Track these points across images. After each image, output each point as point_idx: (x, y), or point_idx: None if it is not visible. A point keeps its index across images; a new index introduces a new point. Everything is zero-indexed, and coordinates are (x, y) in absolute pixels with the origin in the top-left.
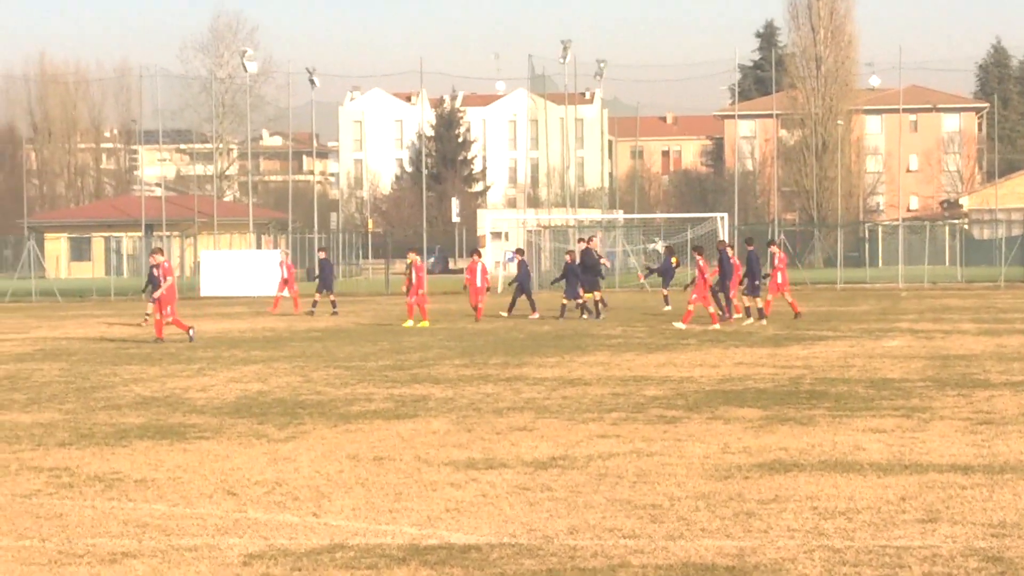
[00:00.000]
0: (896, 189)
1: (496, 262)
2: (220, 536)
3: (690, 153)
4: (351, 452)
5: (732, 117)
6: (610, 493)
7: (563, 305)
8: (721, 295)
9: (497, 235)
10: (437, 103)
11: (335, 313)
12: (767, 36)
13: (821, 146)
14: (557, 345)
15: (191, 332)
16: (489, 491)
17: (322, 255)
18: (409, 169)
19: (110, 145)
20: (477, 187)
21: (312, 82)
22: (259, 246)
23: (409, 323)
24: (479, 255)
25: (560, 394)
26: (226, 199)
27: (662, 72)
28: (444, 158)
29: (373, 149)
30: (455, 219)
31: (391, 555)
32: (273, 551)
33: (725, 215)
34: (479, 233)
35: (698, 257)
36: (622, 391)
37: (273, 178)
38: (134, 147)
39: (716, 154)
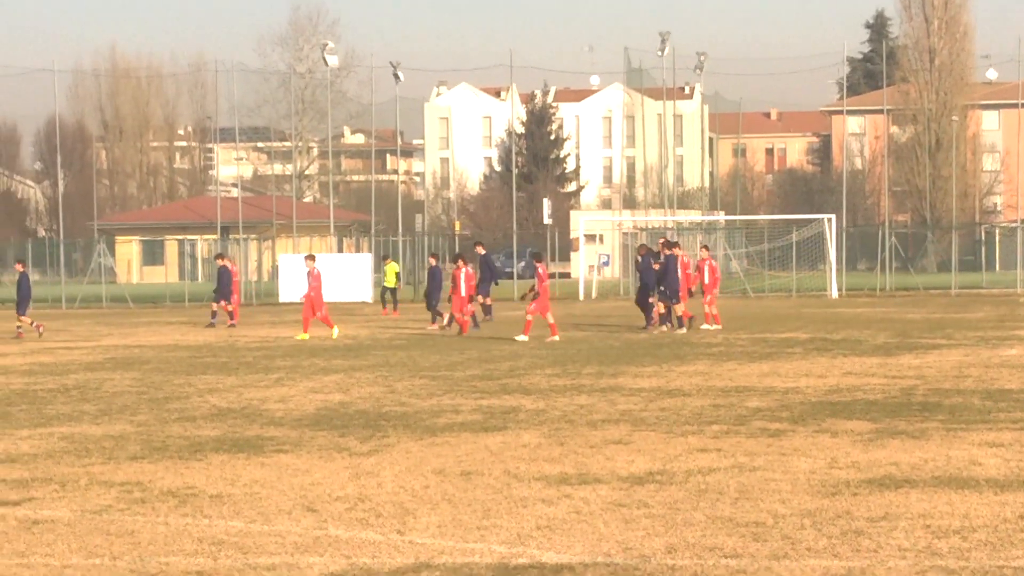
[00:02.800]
0: (1015, 189)
1: (590, 266)
2: (299, 554)
3: (795, 151)
4: (437, 466)
5: (840, 113)
6: (710, 510)
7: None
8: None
9: (591, 238)
10: (528, 98)
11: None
12: (877, 27)
13: (935, 143)
14: (654, 354)
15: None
16: (583, 507)
17: (432, 261)
18: (498, 168)
19: (184, 143)
20: (570, 187)
21: (396, 77)
22: (340, 249)
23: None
24: (464, 261)
25: (657, 405)
26: (306, 200)
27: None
28: (535, 156)
29: (460, 147)
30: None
31: (479, 575)
32: (355, 570)
33: (832, 216)
34: (572, 236)
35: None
36: (723, 402)
37: (355, 178)
38: (209, 145)
39: (823, 152)
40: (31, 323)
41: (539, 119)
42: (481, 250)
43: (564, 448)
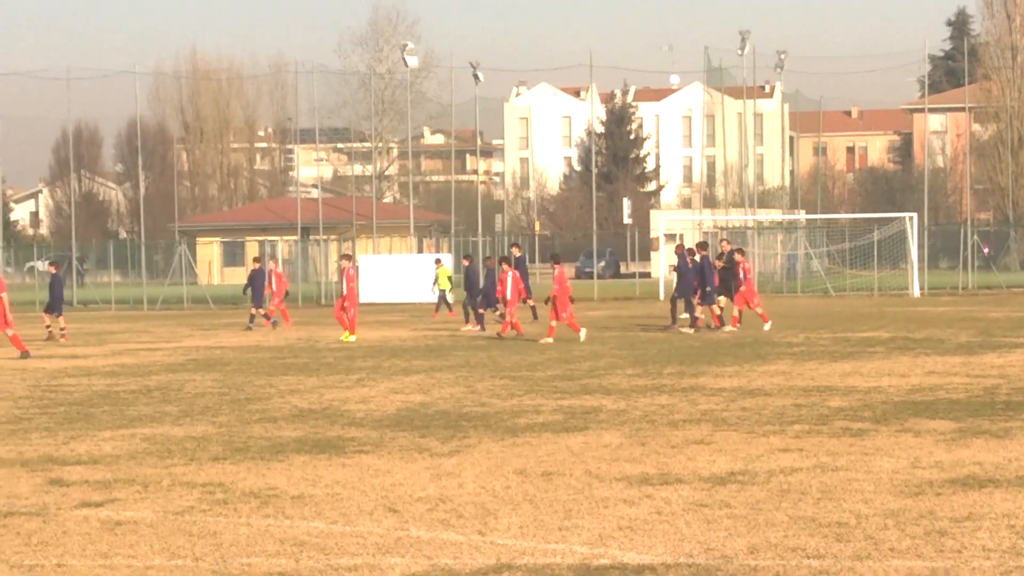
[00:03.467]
0: None
1: (670, 266)
2: (381, 555)
3: (876, 149)
4: (518, 467)
5: (922, 111)
6: (793, 510)
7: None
8: (680, 301)
9: (671, 237)
10: (607, 98)
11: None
12: (959, 24)
13: (1017, 141)
14: (735, 354)
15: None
16: (664, 508)
17: (465, 262)
18: (578, 168)
19: (264, 145)
20: (650, 187)
21: (476, 77)
22: (420, 250)
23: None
24: (508, 264)
25: (739, 405)
26: (385, 200)
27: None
28: (615, 156)
29: (540, 147)
30: (627, 220)
31: (561, 575)
32: (436, 571)
33: (915, 215)
34: (652, 235)
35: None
36: (805, 402)
37: (435, 178)
38: (289, 147)
39: (904, 150)
40: (60, 328)
41: (619, 118)
42: (517, 252)
43: (645, 448)
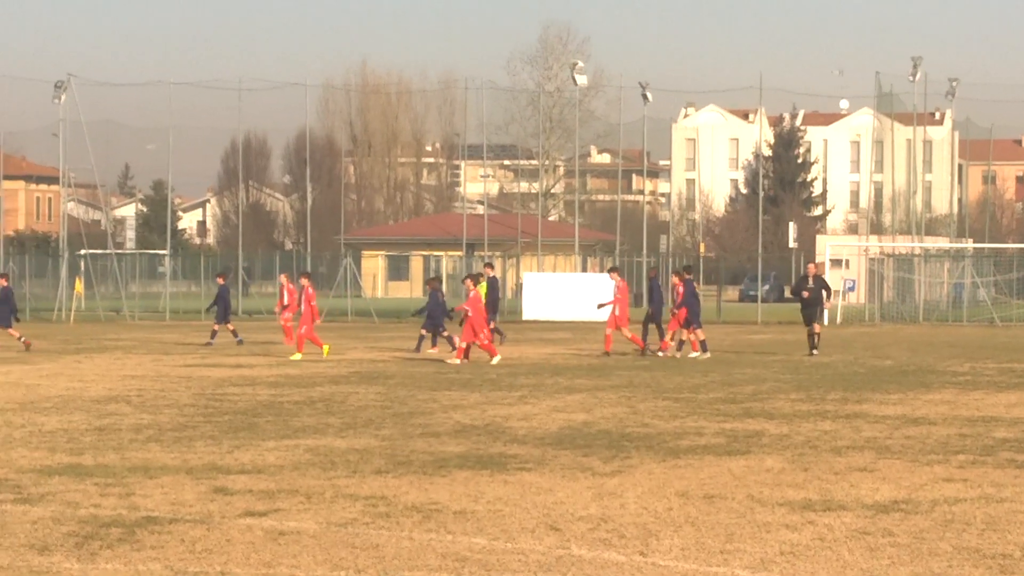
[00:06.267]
0: None
1: (834, 291)
2: (543, 573)
3: None
4: (680, 489)
5: None
6: (956, 541)
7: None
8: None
9: (836, 263)
10: (776, 121)
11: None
12: None
13: None
14: (899, 381)
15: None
16: (827, 534)
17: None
18: (744, 190)
19: (431, 160)
20: (816, 211)
21: (645, 97)
22: (585, 268)
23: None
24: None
25: (903, 433)
26: (550, 218)
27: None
28: (782, 179)
29: (707, 168)
30: (792, 244)
31: None
32: None
33: None
34: (817, 260)
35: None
36: (969, 432)
37: (600, 197)
38: (456, 162)
39: None
40: (18, 336)
41: (787, 142)
42: (490, 272)
43: (808, 474)
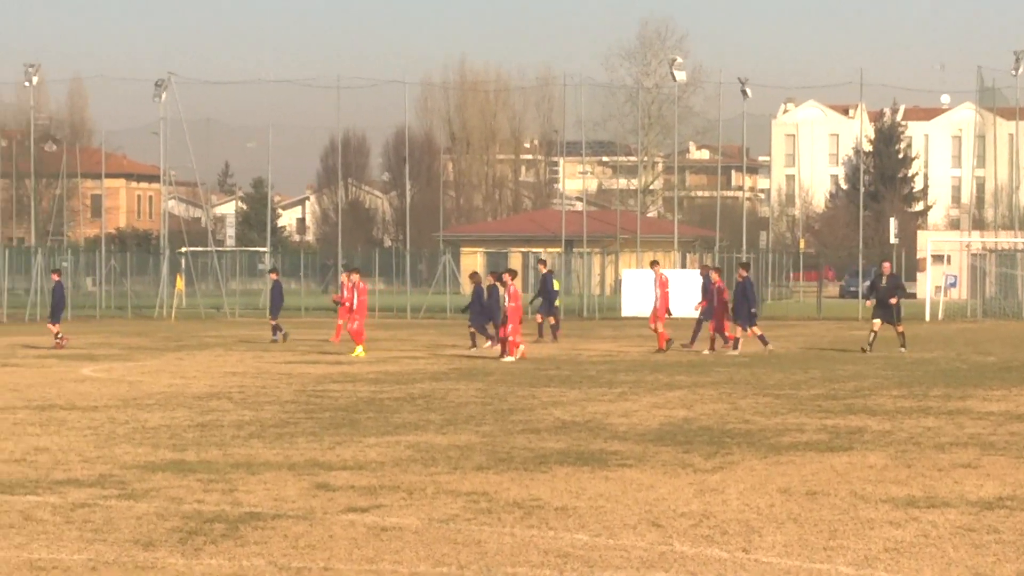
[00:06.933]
0: None
1: (936, 287)
2: (645, 569)
3: None
4: (782, 485)
5: None
6: None
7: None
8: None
9: (938, 258)
10: (876, 116)
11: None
12: None
13: None
14: (1002, 377)
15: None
16: (931, 531)
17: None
18: (844, 186)
19: (529, 157)
20: (917, 206)
21: (744, 93)
22: (684, 265)
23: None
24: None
25: (1007, 430)
26: (649, 215)
27: None
28: (882, 175)
29: (806, 164)
30: (893, 240)
31: None
32: None
33: None
34: (918, 256)
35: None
36: None
37: (699, 193)
38: (554, 159)
39: None
40: (57, 334)
41: (887, 137)
42: (543, 269)
43: (911, 470)
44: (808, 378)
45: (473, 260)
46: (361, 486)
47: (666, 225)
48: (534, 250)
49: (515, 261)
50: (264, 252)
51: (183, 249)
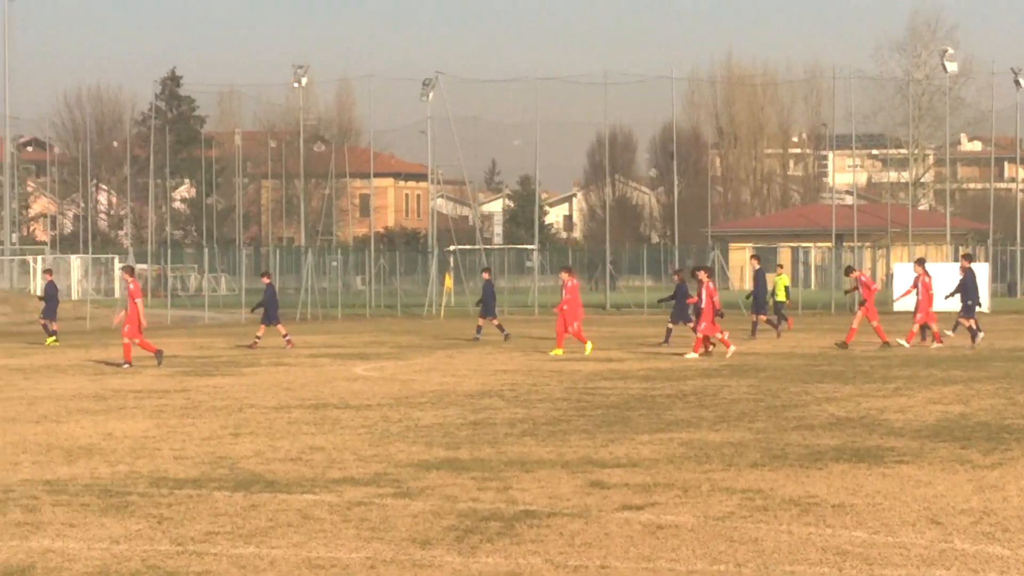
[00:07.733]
0: None
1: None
2: (925, 567)
3: None
4: None
5: None
6: None
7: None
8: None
9: None
10: None
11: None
12: None
13: None
14: None
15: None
16: None
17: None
18: None
19: (798, 151)
20: None
21: (1017, 83)
22: (956, 259)
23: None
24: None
25: None
26: (920, 208)
27: None
28: None
29: None
30: None
31: None
32: None
33: None
34: None
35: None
36: None
37: (971, 185)
38: (824, 152)
39: None
40: (284, 335)
41: None
42: (756, 264)
43: None
44: None
45: (742, 255)
46: (635, 484)
47: (938, 218)
48: (804, 245)
49: (784, 256)
50: (532, 249)
51: (451, 247)
